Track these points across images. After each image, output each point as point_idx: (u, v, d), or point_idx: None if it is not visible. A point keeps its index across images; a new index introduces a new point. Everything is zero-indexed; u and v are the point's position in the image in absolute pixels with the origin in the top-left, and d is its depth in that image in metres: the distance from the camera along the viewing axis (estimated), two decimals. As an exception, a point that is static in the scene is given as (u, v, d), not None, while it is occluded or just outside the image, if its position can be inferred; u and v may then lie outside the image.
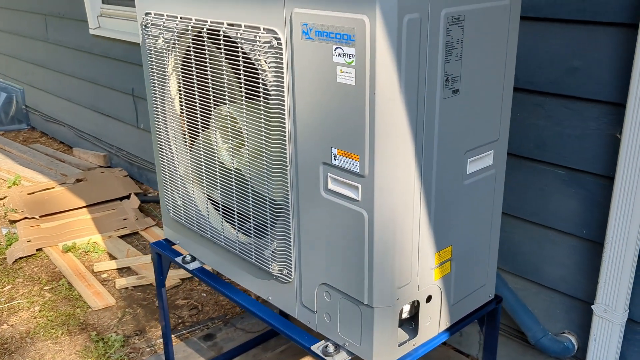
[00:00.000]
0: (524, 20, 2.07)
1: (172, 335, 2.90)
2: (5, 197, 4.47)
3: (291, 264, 1.72)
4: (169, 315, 3.07)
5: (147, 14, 1.94)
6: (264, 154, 1.67)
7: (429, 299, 1.63)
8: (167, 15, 1.86)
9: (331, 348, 1.66)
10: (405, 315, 1.63)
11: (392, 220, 1.44)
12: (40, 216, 4.07)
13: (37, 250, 3.70)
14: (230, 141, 1.81)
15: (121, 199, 4.37)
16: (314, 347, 1.69)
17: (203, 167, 1.95)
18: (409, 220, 1.48)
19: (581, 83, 1.99)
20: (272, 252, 1.76)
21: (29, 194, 4.40)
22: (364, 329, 1.56)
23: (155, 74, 2.01)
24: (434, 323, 1.68)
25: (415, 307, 1.64)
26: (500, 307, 1.90)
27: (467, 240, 1.69)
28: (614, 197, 1.95)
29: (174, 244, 2.30)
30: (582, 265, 2.17)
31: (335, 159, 1.47)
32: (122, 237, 3.89)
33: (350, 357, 1.65)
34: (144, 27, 1.97)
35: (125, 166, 4.90)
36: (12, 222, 4.07)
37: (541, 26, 2.04)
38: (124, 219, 4.06)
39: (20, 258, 3.63)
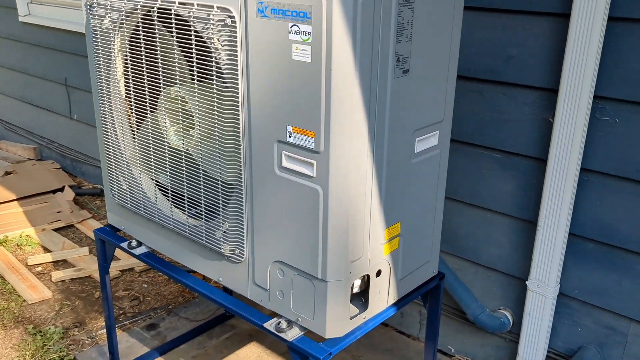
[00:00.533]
0: (464, 10, 2.16)
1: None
2: None
3: (244, 244, 1.74)
4: (110, 306, 3.01)
5: (92, -7, 1.90)
6: (216, 135, 1.68)
7: (378, 273, 1.69)
8: (115, -5, 1.83)
9: (284, 324, 1.69)
10: (355, 290, 1.68)
11: (346, 195, 1.49)
12: (-33, 210, 3.89)
13: (-36, 244, 3.54)
14: (180, 123, 1.81)
15: (54, 192, 4.23)
16: (267, 324, 1.72)
17: (151, 151, 1.94)
18: (362, 195, 1.53)
19: (517, 70, 2.11)
20: (224, 232, 1.77)
21: (-47, 187, 4.20)
22: (317, 304, 1.60)
23: (100, 56, 1.98)
24: (383, 297, 1.74)
25: (365, 281, 1.69)
26: (442, 283, 1.99)
27: (414, 218, 1.75)
28: (546, 178, 2.07)
29: (119, 231, 2.27)
30: (517, 244, 2.29)
31: (290, 137, 1.50)
32: (56, 230, 3.77)
33: (302, 332, 1.68)
34: (89, 7, 1.94)
35: (58, 159, 4.74)
36: (-64, 216, 3.87)
37: (480, 16, 2.14)
38: (58, 212, 3.93)
39: (-53, 253, 3.46)
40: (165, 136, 1.87)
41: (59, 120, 4.56)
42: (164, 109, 1.84)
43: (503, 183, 2.26)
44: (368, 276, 1.67)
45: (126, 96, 1.98)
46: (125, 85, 1.97)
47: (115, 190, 2.14)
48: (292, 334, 1.67)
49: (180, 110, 1.79)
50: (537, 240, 2.16)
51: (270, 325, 1.72)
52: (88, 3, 1.93)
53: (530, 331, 2.28)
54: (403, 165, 1.64)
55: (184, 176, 1.84)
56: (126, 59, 1.91)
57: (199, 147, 1.76)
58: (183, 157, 1.83)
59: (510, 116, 2.17)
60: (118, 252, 3.42)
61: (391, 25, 1.44)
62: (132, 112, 1.98)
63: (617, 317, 2.12)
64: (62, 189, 4.24)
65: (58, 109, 4.52)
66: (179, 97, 1.78)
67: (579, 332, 2.23)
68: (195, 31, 1.63)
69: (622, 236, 2.02)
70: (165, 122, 1.86)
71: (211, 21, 1.56)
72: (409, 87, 1.55)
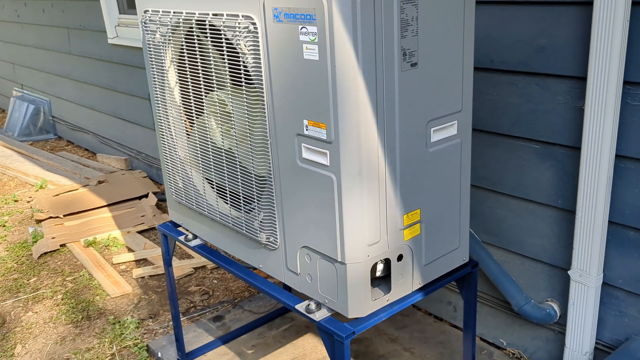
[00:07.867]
0: (492, 4, 2.21)
1: (184, 318, 3.08)
2: (32, 199, 4.73)
3: (276, 232, 1.89)
4: (182, 300, 3.25)
5: (145, 11, 2.13)
6: (249, 133, 1.85)
7: (399, 257, 1.78)
8: (162, 11, 2.05)
9: (313, 306, 1.82)
10: (379, 273, 1.78)
11: (359, 182, 1.60)
12: (64, 215, 4.31)
13: (60, 245, 3.93)
14: (223, 124, 1.99)
15: (140, 198, 4.59)
16: (298, 306, 1.85)
17: (199, 150, 2.13)
18: (375, 182, 1.63)
19: (548, 60, 2.13)
20: (260, 222, 1.93)
21: (54, 195, 4.66)
22: (339, 285, 1.72)
23: (154, 67, 2.21)
24: (407, 281, 1.83)
25: (388, 266, 1.78)
26: (476, 271, 2.03)
27: (436, 205, 1.83)
28: (581, 167, 2.07)
29: (179, 226, 2.49)
30: (560, 234, 2.29)
31: (306, 129, 1.64)
32: (140, 232, 4.10)
33: (330, 313, 1.80)
34: (143, 24, 2.17)
35: (145, 168, 5.13)
36: (38, 221, 4.31)
37: (510, 9, 2.18)
38: (142, 216, 4.27)
39: (45, 253, 3.86)
40: (209, 137, 2.06)
41: (145, 133, 4.95)
42: (208, 112, 2.03)
43: (543, 173, 2.27)
44: (389, 259, 1.76)
45: (180, 103, 2.20)
46: (179, 93, 2.18)
47: (173, 188, 2.36)
48: (319, 315, 1.80)
49: (220, 112, 1.97)
50: (577, 229, 2.15)
51: (301, 307, 1.85)
52: (142, 20, 2.17)
53: (575, 322, 2.26)
54: (418, 154, 1.72)
55: (225, 171, 2.02)
56: (177, 69, 2.13)
57: (237, 145, 1.93)
58: (224, 154, 2.01)
59: (546, 106, 2.19)
60: (192, 251, 3.68)
61: (394, 22, 1.54)
62: (185, 117, 2.19)
63: (664, 307, 2.07)
64: (146, 196, 4.60)
65: (144, 122, 4.90)
66: (220, 101, 1.96)
67: (626, 323, 2.19)
68: (227, 39, 1.80)
69: (663, 223, 1.99)
70: (211, 124, 2.04)
71: (237, 28, 1.73)
72: (418, 80, 1.64)
